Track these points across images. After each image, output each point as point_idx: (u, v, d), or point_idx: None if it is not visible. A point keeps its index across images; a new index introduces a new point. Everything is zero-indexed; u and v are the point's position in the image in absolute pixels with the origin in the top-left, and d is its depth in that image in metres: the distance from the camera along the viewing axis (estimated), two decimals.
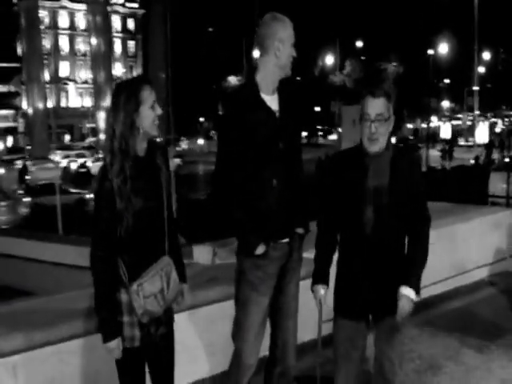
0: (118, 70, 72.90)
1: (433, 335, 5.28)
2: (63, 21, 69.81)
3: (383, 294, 3.22)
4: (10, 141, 66.31)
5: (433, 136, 55.02)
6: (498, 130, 58.30)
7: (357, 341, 3.31)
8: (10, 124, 67.74)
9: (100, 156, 49.80)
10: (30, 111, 64.68)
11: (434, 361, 4.75)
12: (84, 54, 69.86)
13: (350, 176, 3.21)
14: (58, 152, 52.32)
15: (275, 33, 3.35)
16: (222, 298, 3.53)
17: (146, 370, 3.18)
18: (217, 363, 4.30)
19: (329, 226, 3.35)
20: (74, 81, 69.44)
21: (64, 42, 70.41)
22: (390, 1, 60.40)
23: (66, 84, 67.13)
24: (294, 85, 3.53)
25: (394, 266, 3.21)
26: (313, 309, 3.37)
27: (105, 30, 64.91)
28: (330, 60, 65.77)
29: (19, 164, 45.21)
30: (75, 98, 67.54)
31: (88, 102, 68.01)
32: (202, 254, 5.33)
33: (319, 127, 65.71)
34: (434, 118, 64.21)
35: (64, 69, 69.72)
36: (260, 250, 3.30)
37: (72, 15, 69.90)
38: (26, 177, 39.93)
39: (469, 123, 53.08)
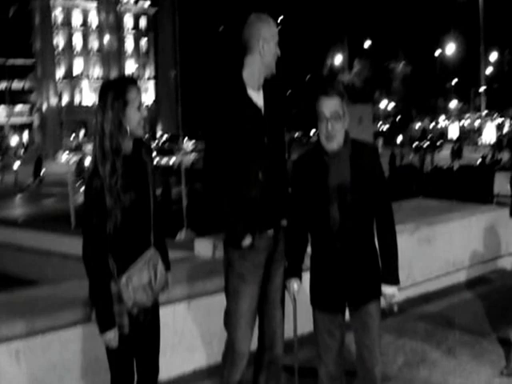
0: (131, 67, 73.77)
1: (427, 330, 5.36)
2: (77, 19, 70.61)
3: (356, 286, 3.33)
4: (25, 136, 67.34)
5: (440, 136, 55.19)
6: (505, 129, 58.41)
7: (335, 331, 3.40)
8: (26, 119, 68.70)
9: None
10: (44, 107, 65.82)
11: (427, 355, 4.84)
12: (98, 51, 70.65)
13: (313, 176, 3.29)
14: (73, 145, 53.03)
15: (259, 32, 3.44)
16: (221, 290, 3.64)
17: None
18: (214, 353, 4.34)
19: (298, 225, 3.43)
20: (88, 77, 70.24)
21: (78, 40, 71.24)
22: (398, 1, 60.51)
23: (80, 80, 67.99)
24: (276, 81, 3.60)
25: (364, 258, 3.34)
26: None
27: (115, 28, 65.84)
28: (338, 59, 66.07)
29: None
30: (89, 95, 68.35)
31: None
32: (202, 247, 5.41)
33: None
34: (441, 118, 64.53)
35: (78, 66, 70.57)
36: (247, 241, 3.40)
37: (85, 13, 70.68)
38: (41, 171, 41.00)
39: (477, 123, 53.21)
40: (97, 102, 3.10)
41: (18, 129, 65.99)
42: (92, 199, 3.01)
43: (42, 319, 3.80)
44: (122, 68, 71.53)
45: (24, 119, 68.04)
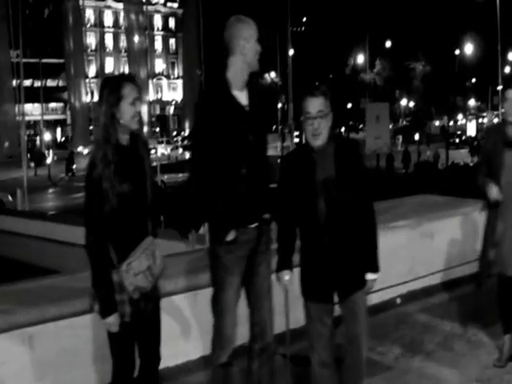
0: (160, 66, 75.85)
1: (426, 322, 5.45)
2: (108, 19, 72.60)
3: (343, 277, 3.46)
4: (58, 132, 69.69)
5: (458, 134, 55.68)
6: None
7: (325, 319, 3.52)
8: (60, 117, 70.96)
9: None
10: (76, 105, 67.96)
11: (424, 346, 4.91)
12: (127, 51, 72.45)
13: (300, 171, 3.41)
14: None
15: (240, 33, 3.50)
16: None
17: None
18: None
19: (287, 219, 3.53)
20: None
21: (109, 40, 73.40)
22: (418, 1, 61.01)
23: None
24: (258, 81, 4.18)
25: (351, 249, 3.45)
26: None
27: (143, 28, 67.62)
28: (360, 59, 66.87)
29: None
30: None
31: None
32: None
33: (351, 123, 66.93)
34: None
35: (108, 65, 72.61)
36: (231, 236, 3.47)
37: (116, 14, 72.66)
38: (73, 165, 41.66)
39: (495, 121, 53.72)
40: (98, 97, 3.30)
41: (52, 125, 67.98)
42: (91, 190, 3.13)
43: (54, 307, 3.95)
44: (151, 67, 73.52)
45: (57, 116, 70.34)
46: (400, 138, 49.63)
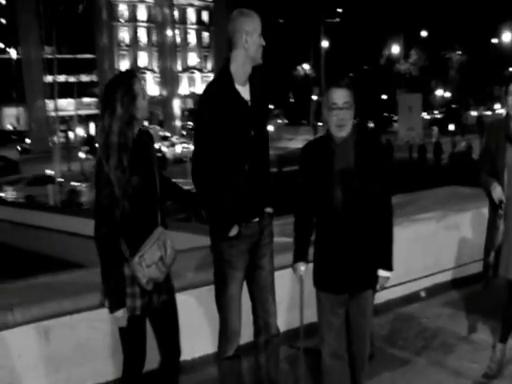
0: (193, 59, 76.20)
1: (450, 315, 5.44)
2: (141, 14, 73.21)
3: (357, 269, 3.45)
4: (92, 127, 70.54)
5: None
6: None
7: (337, 309, 3.53)
8: (93, 111, 71.78)
9: (174, 141, 53.00)
10: None
11: (446, 339, 4.92)
12: (161, 45, 72.98)
13: (319, 161, 3.42)
14: None
15: (242, 27, 3.47)
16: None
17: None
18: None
19: (304, 210, 3.54)
20: (152, 70, 72.93)
21: (142, 34, 73.99)
22: None
23: (144, 73, 70.66)
24: (261, 74, 3.67)
25: (365, 241, 3.43)
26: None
27: (179, 22, 68.07)
28: (395, 49, 66.45)
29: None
30: (152, 87, 70.92)
31: (164, 90, 71.63)
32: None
33: (386, 115, 66.46)
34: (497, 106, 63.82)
35: (142, 59, 73.22)
36: (233, 231, 3.47)
37: (149, 9, 73.25)
38: None
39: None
40: (104, 99, 3.21)
41: (85, 120, 68.91)
42: (101, 185, 3.15)
43: (69, 301, 4.02)
44: (184, 61, 73.94)
45: (91, 111, 71.22)
46: (435, 128, 49.11)
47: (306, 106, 62.82)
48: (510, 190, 4.03)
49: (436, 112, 65.66)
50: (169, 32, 70.36)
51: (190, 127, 62.08)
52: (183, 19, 74.39)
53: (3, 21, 66.66)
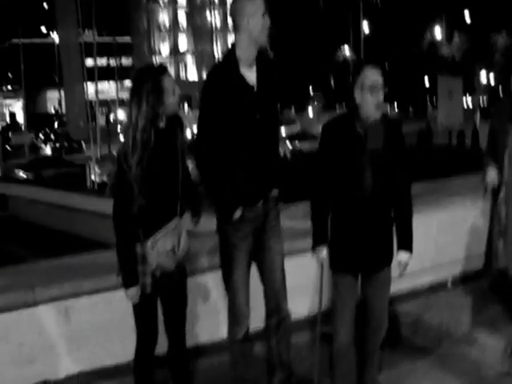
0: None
1: (475, 306, 5.31)
2: None
3: (378, 248, 3.46)
4: None
5: None
6: None
7: (353, 291, 3.53)
8: None
9: None
10: None
11: (469, 331, 4.84)
12: (202, 27, 73.04)
13: (347, 142, 3.36)
14: None
15: (243, 9, 3.43)
16: None
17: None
18: (257, 318, 4.13)
19: (324, 191, 3.47)
20: (192, 53, 73.15)
21: (182, 17, 74.22)
22: None
23: (184, 56, 70.95)
24: (268, 57, 3.63)
25: (386, 225, 3.47)
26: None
27: (220, 5, 67.92)
28: (438, 33, 65.29)
29: None
30: (193, 70, 71.11)
31: (204, 74, 71.79)
32: None
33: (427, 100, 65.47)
34: None
35: (182, 42, 73.63)
36: (237, 214, 3.48)
37: None
38: None
39: None
40: (132, 93, 3.21)
41: (125, 104, 69.50)
42: (122, 171, 3.20)
43: (89, 281, 4.11)
44: (225, 44, 73.82)
45: None
46: (478, 114, 48.10)
47: (345, 89, 62.07)
48: (510, 174, 3.95)
49: (479, 97, 64.31)
50: (208, 15, 70.32)
51: None
52: (223, 1, 74.22)
53: (46, 6, 67.61)
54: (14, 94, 67.84)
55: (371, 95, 3.30)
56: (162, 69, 3.28)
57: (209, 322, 4.38)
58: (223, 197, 3.49)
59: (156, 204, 3.23)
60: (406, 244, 3.50)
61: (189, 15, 73.55)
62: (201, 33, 72.50)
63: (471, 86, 57.13)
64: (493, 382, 4.13)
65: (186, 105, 68.97)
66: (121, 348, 4.13)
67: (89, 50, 36.89)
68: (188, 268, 3.58)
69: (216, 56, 65.74)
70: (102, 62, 55.58)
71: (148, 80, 3.16)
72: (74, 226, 18.03)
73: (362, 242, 3.43)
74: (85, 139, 44.16)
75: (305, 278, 4.65)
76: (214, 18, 71.62)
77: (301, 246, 4.44)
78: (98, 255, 4.85)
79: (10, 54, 62.21)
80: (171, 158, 3.27)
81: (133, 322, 3.87)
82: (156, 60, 69.50)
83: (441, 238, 5.70)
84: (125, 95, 69.01)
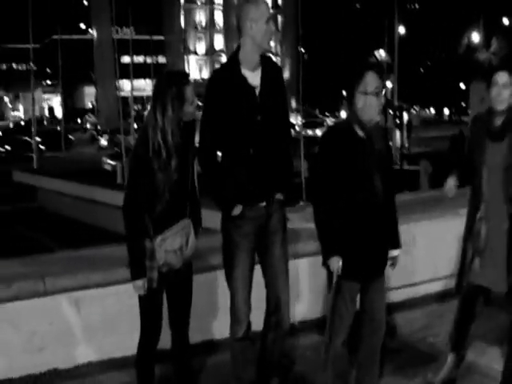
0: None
1: (486, 315, 4.89)
2: None
3: (382, 253, 3.53)
4: None
5: None
6: None
7: (355, 297, 3.56)
8: None
9: None
10: None
11: (479, 338, 4.68)
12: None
13: (352, 148, 3.38)
14: None
15: (248, 14, 3.51)
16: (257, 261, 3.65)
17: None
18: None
19: (329, 201, 3.41)
20: (227, 53, 73.35)
21: (219, 17, 74.55)
22: None
23: (220, 56, 71.13)
24: (273, 61, 3.72)
25: (386, 226, 3.53)
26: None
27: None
28: (475, 38, 64.43)
29: None
30: None
31: None
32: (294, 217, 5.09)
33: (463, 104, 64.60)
34: None
35: (218, 42, 73.84)
36: (236, 211, 3.53)
37: None
38: None
39: None
40: (156, 96, 3.29)
41: None
42: (137, 164, 3.31)
43: (99, 274, 4.20)
44: None
45: None
46: None
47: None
48: (491, 189, 3.75)
49: None
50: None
51: None
52: None
53: (85, 2, 68.47)
54: (52, 89, 68.84)
55: (376, 99, 3.38)
56: (186, 77, 3.39)
57: (224, 318, 4.32)
58: (223, 192, 3.54)
59: (166, 206, 3.30)
60: (398, 241, 3.62)
61: (225, 15, 73.73)
62: (236, 32, 72.50)
63: None
64: None
65: None
66: (131, 341, 4.08)
67: (122, 47, 37.20)
68: (201, 265, 3.64)
69: None
70: (138, 59, 56.16)
71: (172, 85, 3.26)
72: (98, 219, 18.51)
73: (375, 248, 3.46)
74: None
75: (316, 281, 4.66)
76: None
77: (310, 248, 4.48)
78: (115, 248, 4.87)
79: (50, 50, 63.03)
80: (182, 165, 3.35)
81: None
82: (188, 60, 69.87)
83: (453, 247, 5.43)
84: None
